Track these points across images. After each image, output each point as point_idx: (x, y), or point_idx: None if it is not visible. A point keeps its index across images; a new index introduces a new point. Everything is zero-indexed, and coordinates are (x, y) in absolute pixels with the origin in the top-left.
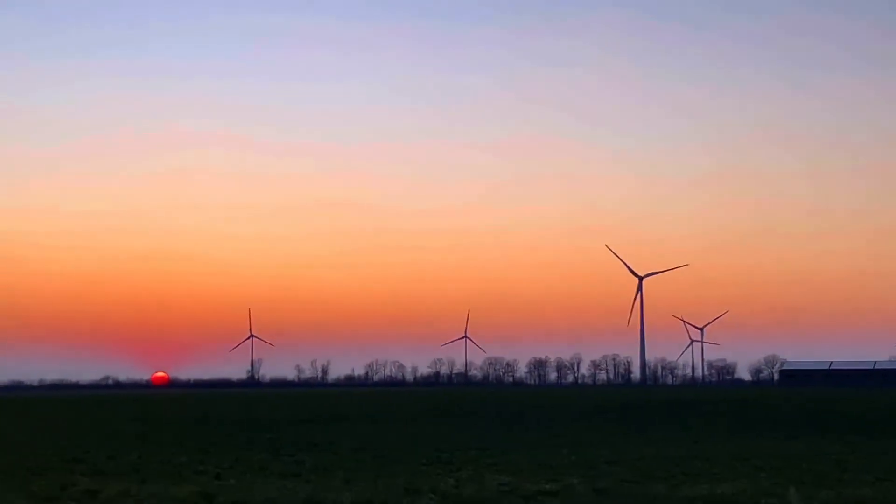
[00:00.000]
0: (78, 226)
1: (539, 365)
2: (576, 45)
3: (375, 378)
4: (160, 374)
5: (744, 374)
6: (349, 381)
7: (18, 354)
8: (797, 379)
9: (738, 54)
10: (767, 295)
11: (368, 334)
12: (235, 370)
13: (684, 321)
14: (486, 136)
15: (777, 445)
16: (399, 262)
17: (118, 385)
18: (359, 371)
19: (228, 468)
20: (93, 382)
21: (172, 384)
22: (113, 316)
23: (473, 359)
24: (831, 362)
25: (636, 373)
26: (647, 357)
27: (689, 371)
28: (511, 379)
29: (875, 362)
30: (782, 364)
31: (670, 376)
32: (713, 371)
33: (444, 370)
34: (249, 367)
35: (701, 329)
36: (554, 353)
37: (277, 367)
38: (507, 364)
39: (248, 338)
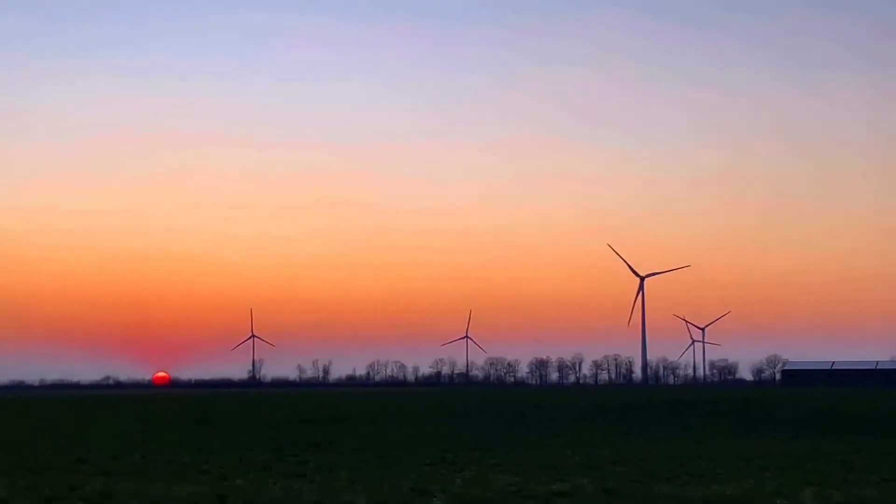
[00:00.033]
0: (78, 226)
1: (540, 365)
2: (576, 45)
3: (377, 378)
4: (161, 374)
5: (745, 374)
6: (350, 381)
7: (19, 354)
8: (799, 379)
9: (739, 54)
10: (769, 295)
11: (369, 334)
12: (236, 370)
13: (686, 321)
14: (486, 136)
15: (780, 446)
16: (399, 262)
17: (119, 385)
18: (360, 371)
19: (232, 468)
20: (94, 382)
21: (173, 384)
22: (113, 316)
23: (475, 359)
24: (833, 362)
25: (638, 373)
26: (648, 357)
27: (690, 371)
28: (512, 379)
29: (877, 362)
30: (784, 364)
31: (672, 376)
32: (715, 371)
33: (445, 370)
34: (251, 368)
35: (702, 329)
36: (555, 353)
37: (279, 367)
38: (509, 364)
39: (250, 338)
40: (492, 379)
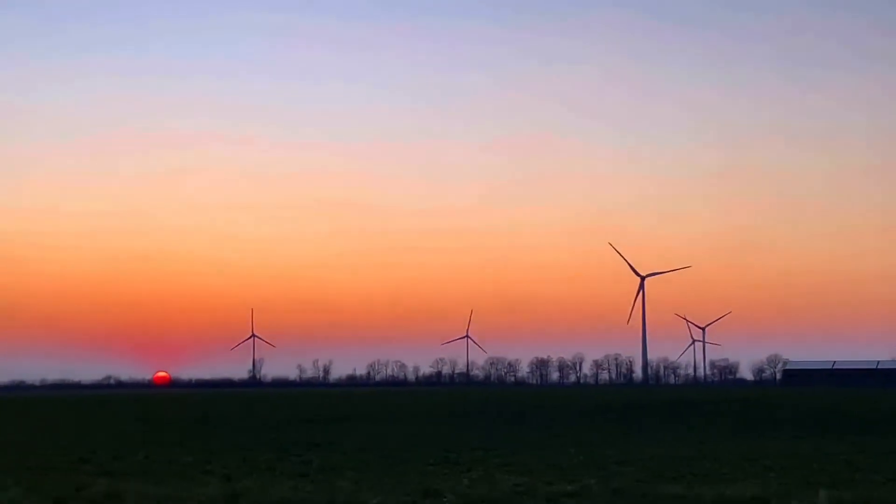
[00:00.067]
0: (77, 226)
1: (541, 365)
2: (576, 45)
3: (377, 378)
4: (162, 373)
5: (746, 373)
6: (351, 381)
7: (19, 354)
8: (800, 379)
9: (739, 54)
10: (769, 295)
11: (370, 334)
12: (237, 370)
13: (686, 320)
14: (486, 135)
15: (782, 446)
16: (400, 261)
17: (120, 385)
18: (360, 371)
19: (236, 468)
20: (94, 382)
21: (174, 384)
22: (113, 316)
23: (475, 358)
24: (834, 362)
25: (638, 372)
26: (649, 357)
27: (691, 371)
28: (513, 379)
29: (878, 362)
30: (785, 364)
31: (673, 376)
32: (715, 371)
33: (445, 370)
34: (251, 367)
35: (703, 329)
36: (556, 352)
37: (279, 366)
38: (509, 364)
39: (250, 337)
40: (492, 379)
